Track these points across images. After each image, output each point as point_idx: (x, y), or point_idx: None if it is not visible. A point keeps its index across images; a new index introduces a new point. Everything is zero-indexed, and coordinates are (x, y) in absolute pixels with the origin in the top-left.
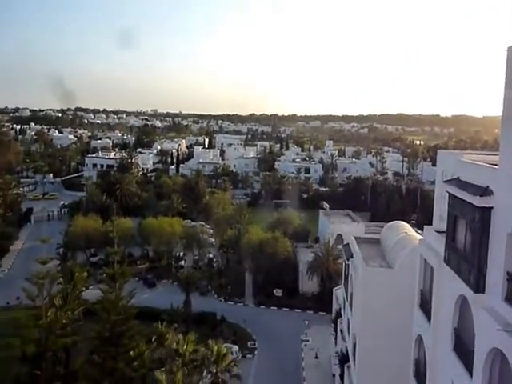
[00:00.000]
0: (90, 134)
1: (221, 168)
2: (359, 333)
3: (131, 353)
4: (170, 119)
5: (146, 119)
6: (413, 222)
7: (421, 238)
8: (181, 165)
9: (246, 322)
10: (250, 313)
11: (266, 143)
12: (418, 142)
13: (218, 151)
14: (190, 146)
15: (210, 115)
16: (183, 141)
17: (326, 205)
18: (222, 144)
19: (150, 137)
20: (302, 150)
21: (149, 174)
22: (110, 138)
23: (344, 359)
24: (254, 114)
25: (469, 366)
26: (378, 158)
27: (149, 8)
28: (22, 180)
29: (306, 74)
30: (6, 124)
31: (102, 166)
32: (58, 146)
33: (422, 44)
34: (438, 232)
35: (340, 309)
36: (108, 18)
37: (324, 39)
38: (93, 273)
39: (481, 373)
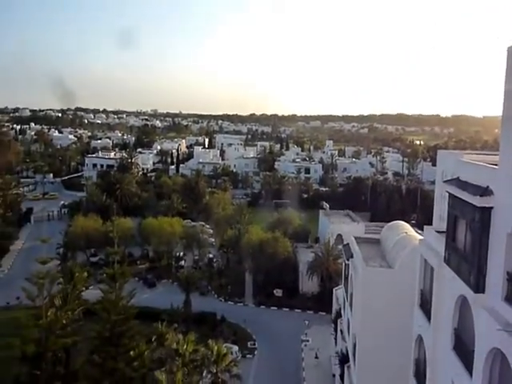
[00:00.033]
0: (89, 133)
1: (221, 168)
2: (359, 333)
3: (131, 353)
4: (170, 119)
5: (146, 119)
6: (413, 222)
7: (421, 238)
8: (181, 165)
9: (246, 322)
10: (250, 313)
11: (266, 143)
12: (418, 142)
13: (218, 151)
14: (189, 146)
15: (210, 115)
16: (183, 141)
17: (326, 205)
18: (222, 144)
19: (150, 137)
20: (302, 150)
21: (149, 174)
22: (110, 138)
23: (344, 359)
24: (254, 114)
25: (469, 365)
26: (378, 158)
27: (149, 8)
28: (22, 180)
29: (305, 74)
30: (6, 124)
31: (102, 166)
32: (58, 146)
33: (422, 44)
34: (438, 232)
35: (340, 309)
36: (108, 18)
37: (324, 39)
38: (93, 273)
39: (481, 372)
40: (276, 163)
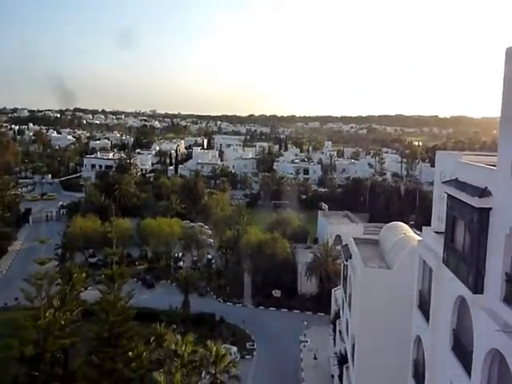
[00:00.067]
0: (88, 134)
1: (219, 169)
2: (358, 333)
3: (130, 354)
4: (169, 120)
5: (145, 120)
6: (411, 222)
7: (419, 238)
8: (179, 165)
9: (245, 322)
10: (249, 314)
11: (265, 144)
12: (416, 143)
13: (217, 152)
14: (188, 147)
15: (209, 116)
16: (182, 141)
17: (324, 205)
18: (221, 145)
19: (148, 137)
20: (301, 151)
21: (147, 175)
22: (108, 139)
23: (343, 360)
24: (252, 115)
25: (467, 366)
26: (377, 158)
27: (149, 8)
28: (21, 180)
29: (305, 74)
30: (5, 124)
31: (100, 166)
32: (57, 147)
33: (421, 44)
34: (437, 233)
35: (339, 309)
36: (108, 18)
37: (323, 40)
38: (91, 273)
39: (479, 373)
40: (275, 164)
